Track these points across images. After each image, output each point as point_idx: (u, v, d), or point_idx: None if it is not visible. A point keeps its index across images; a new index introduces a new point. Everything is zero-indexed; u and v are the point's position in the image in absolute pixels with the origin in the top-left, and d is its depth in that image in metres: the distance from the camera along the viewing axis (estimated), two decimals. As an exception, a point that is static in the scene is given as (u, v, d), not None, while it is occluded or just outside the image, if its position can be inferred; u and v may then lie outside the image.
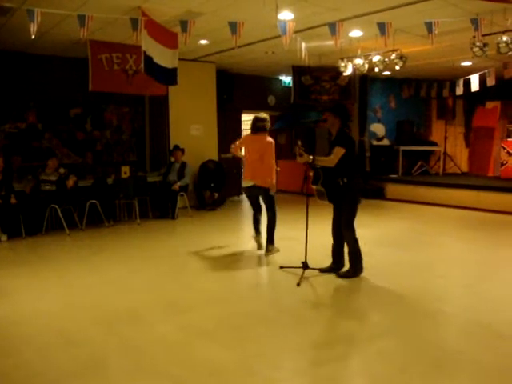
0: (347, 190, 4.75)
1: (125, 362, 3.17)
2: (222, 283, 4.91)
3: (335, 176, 4.73)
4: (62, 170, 7.53)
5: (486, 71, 8.74)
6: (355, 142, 4.99)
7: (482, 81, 8.97)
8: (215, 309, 4.18)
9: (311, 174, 4.92)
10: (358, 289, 4.67)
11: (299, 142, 4.87)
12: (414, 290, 4.61)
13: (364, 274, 4.88)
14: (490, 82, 8.77)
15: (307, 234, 4.97)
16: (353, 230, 4.85)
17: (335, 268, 5.02)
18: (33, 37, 5.09)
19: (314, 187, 4.89)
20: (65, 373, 3.03)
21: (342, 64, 8.56)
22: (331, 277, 4.92)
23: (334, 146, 4.76)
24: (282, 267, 5.21)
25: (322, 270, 5.01)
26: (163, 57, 6.31)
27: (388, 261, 5.72)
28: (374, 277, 5.00)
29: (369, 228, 7.60)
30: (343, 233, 4.90)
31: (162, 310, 4.16)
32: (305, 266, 4.95)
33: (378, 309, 4.15)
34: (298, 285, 4.66)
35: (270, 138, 5.93)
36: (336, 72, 9.51)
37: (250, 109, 12.10)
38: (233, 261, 5.82)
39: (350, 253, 4.92)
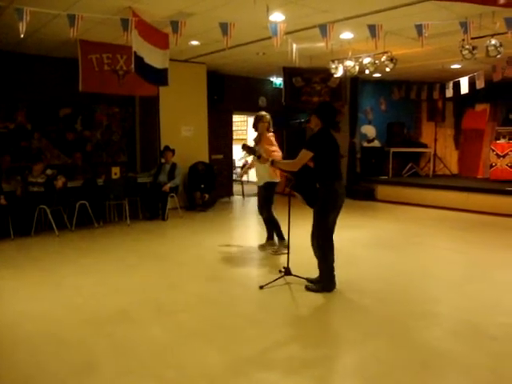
0: (320, 197, 4.44)
1: (115, 364, 3.15)
2: (212, 285, 4.89)
3: (310, 180, 4.48)
4: (49, 172, 7.45)
5: (476, 74, 8.82)
6: (336, 145, 4.50)
7: (472, 83, 9.04)
8: (206, 310, 4.17)
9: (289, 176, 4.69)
10: (348, 290, 4.66)
11: (246, 144, 4.82)
12: (404, 291, 4.64)
13: (354, 275, 4.87)
14: (479, 84, 8.86)
15: (289, 238, 4.91)
16: (323, 241, 4.47)
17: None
18: (22, 36, 5.05)
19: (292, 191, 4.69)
20: (55, 375, 3.01)
21: (333, 66, 8.59)
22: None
23: (302, 148, 4.44)
24: (282, 272, 5.00)
25: (310, 280, 4.72)
26: (154, 57, 6.28)
27: (378, 262, 5.75)
28: (363, 278, 5.02)
29: (359, 229, 7.63)
30: (311, 242, 4.59)
31: (152, 311, 4.14)
32: (287, 271, 4.84)
33: (367, 310, 4.16)
34: (261, 287, 4.63)
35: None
36: (327, 74, 9.53)
37: (240, 110, 12.12)
38: (223, 262, 5.81)
39: (318, 264, 4.60)
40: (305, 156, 4.40)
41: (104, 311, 4.12)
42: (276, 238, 6.11)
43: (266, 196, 6.01)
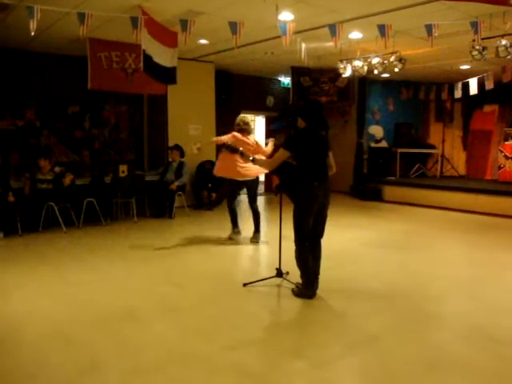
0: (296, 196, 4.29)
1: (121, 362, 3.16)
2: (218, 283, 4.90)
3: (292, 180, 4.33)
4: (57, 169, 7.50)
5: (485, 75, 8.76)
6: (320, 145, 4.34)
7: (481, 84, 8.99)
8: (212, 308, 4.18)
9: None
10: (354, 291, 4.66)
11: (227, 143, 4.89)
12: (410, 293, 4.62)
13: (358, 276, 4.81)
14: (489, 85, 8.79)
15: (281, 239, 4.86)
16: (298, 245, 4.32)
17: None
18: (32, 34, 5.07)
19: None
20: (60, 374, 3.02)
21: (342, 66, 8.57)
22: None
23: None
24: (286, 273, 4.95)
25: (298, 285, 4.51)
26: (163, 56, 6.30)
27: (384, 263, 5.73)
28: (370, 279, 5.00)
29: (366, 230, 7.62)
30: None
31: (158, 308, 4.15)
32: (278, 273, 4.75)
33: (373, 311, 4.14)
34: (245, 285, 4.64)
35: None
36: (335, 73, 9.53)
37: (248, 109, 12.09)
38: (230, 260, 5.82)
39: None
40: (281, 155, 4.27)
41: (110, 309, 4.14)
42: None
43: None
